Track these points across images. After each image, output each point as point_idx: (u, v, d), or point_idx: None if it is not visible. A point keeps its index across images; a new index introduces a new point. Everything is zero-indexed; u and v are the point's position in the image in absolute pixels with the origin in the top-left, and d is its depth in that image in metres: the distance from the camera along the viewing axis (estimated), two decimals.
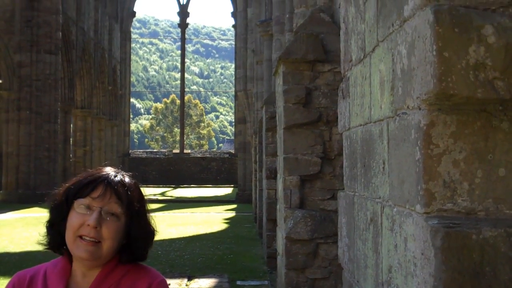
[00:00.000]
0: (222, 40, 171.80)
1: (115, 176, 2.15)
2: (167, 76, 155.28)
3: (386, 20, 2.58)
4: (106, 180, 2.12)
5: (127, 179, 2.18)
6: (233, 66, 51.67)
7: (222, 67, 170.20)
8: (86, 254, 2.05)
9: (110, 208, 2.08)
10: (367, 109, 2.97)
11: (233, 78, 52.20)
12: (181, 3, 53.75)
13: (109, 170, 2.19)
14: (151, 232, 2.21)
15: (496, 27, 1.99)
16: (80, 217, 2.07)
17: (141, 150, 57.69)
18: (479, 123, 2.08)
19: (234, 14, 44.69)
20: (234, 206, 29.96)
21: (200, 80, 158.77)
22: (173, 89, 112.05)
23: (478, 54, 1.98)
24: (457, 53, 1.98)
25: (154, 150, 61.77)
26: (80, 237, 2.05)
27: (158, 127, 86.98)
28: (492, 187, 2.07)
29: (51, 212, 2.16)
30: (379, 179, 2.71)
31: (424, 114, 2.08)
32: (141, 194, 2.22)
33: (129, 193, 2.14)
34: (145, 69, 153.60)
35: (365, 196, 3.01)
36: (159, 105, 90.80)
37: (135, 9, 51.74)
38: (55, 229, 2.14)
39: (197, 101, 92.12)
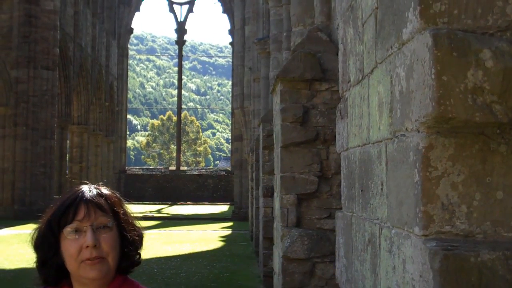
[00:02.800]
0: (219, 57, 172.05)
1: (90, 191, 2.13)
2: (164, 93, 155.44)
3: (384, 42, 2.60)
4: (84, 198, 2.09)
5: (103, 190, 2.17)
6: (230, 83, 51.82)
7: (219, 84, 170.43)
8: (96, 273, 2.02)
9: (100, 222, 2.06)
10: (366, 130, 2.98)
11: (230, 95, 52.29)
12: (179, 20, 53.91)
13: (82, 187, 2.16)
14: (141, 233, 2.21)
15: (494, 51, 2.01)
16: (75, 242, 2.04)
17: (137, 167, 57.56)
18: (477, 146, 2.10)
19: (231, 32, 44.84)
20: (230, 223, 29.88)
21: (197, 97, 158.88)
22: (169, 106, 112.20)
23: (476, 78, 2.00)
24: (455, 76, 2.00)
25: (151, 167, 61.67)
26: (84, 261, 2.02)
27: (154, 144, 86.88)
28: (490, 210, 2.08)
29: (38, 251, 2.11)
30: (377, 200, 2.72)
31: (423, 136, 2.10)
32: (120, 199, 2.20)
33: (109, 201, 2.13)
34: (142, 85, 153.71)
35: (363, 217, 3.02)
36: (156, 122, 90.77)
37: (132, 25, 51.69)
38: (50, 265, 2.09)
39: (194, 118, 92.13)
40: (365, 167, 2.98)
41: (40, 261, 2.11)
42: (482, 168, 2.09)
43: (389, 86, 2.49)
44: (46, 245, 2.08)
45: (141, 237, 2.20)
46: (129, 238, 2.13)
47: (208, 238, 22.37)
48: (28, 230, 19.48)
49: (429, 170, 2.08)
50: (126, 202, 2.24)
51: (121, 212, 2.15)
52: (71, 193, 2.13)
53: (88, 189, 2.14)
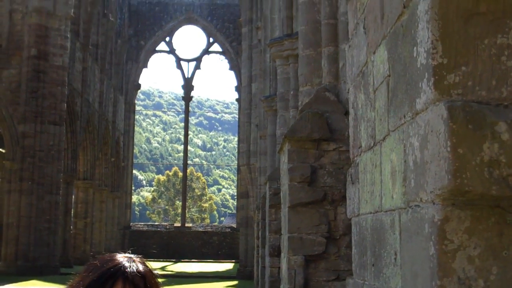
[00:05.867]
0: (226, 113, 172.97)
1: (130, 266, 2.06)
2: (170, 148, 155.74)
3: (397, 110, 2.59)
4: (123, 274, 2.02)
5: (141, 266, 2.10)
6: (236, 139, 51.98)
7: (225, 140, 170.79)
8: None
9: None
10: (378, 197, 2.95)
11: (236, 151, 52.40)
12: (186, 77, 54.35)
13: (122, 260, 2.08)
14: None
15: (510, 124, 2.01)
16: None
17: (142, 223, 57.29)
18: (493, 219, 2.07)
19: (238, 88, 45.16)
20: (235, 282, 29.53)
21: (203, 153, 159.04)
22: (175, 161, 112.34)
23: (492, 151, 1.99)
24: (471, 149, 1.99)
25: (155, 223, 61.34)
26: None
27: (159, 200, 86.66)
28: (507, 285, 2.04)
29: None
30: (390, 270, 2.68)
31: (438, 209, 2.07)
32: (155, 278, 2.13)
33: (146, 282, 2.06)
34: (148, 140, 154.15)
35: (376, 286, 2.97)
36: (162, 177, 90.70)
37: (140, 81, 52.10)
38: None
39: (200, 174, 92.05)
40: (378, 235, 2.95)
41: None
42: (499, 241, 2.06)
43: (403, 155, 2.48)
44: None
45: None
46: None
47: None
48: (31, 286, 19.33)
49: (445, 243, 2.06)
50: None
51: None
52: (112, 265, 2.06)
53: (129, 264, 2.07)
